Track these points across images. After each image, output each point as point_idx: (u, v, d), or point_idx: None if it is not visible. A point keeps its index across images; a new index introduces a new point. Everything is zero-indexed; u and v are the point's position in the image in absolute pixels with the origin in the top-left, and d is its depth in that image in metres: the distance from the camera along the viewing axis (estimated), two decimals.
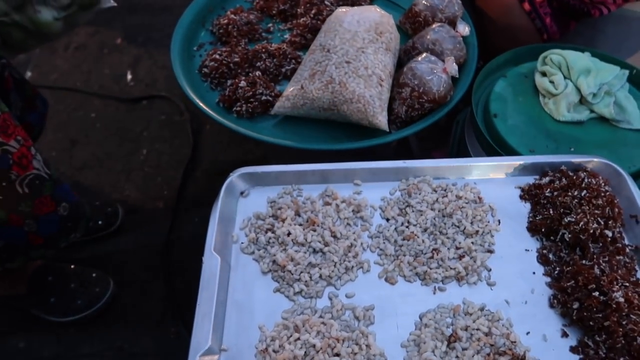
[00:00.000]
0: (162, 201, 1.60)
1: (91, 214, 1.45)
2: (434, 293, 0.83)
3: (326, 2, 1.27)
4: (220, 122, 1.06)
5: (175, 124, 1.81)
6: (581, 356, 0.75)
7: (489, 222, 0.90)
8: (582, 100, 1.11)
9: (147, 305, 1.38)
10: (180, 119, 1.82)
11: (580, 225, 0.82)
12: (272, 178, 0.97)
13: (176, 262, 1.45)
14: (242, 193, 0.96)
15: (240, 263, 0.87)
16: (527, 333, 0.77)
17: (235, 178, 0.96)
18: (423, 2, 1.22)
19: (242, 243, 0.89)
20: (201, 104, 1.08)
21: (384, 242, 0.88)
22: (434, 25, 1.16)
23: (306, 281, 0.83)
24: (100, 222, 1.47)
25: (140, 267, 1.46)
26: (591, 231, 0.82)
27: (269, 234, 0.88)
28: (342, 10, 1.15)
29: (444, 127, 1.55)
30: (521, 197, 0.93)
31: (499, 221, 0.90)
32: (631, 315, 0.73)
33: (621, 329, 0.72)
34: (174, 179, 1.65)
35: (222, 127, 1.78)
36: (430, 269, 0.84)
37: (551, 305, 0.80)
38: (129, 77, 1.96)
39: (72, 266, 1.36)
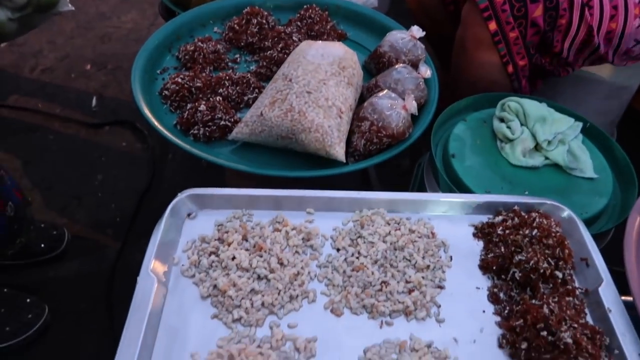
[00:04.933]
0: (113, 229, 1.53)
1: (35, 234, 1.37)
2: (381, 327, 0.79)
3: (294, 37, 1.29)
4: (174, 143, 1.03)
5: (137, 152, 1.77)
6: None
7: (440, 257, 0.88)
8: (537, 147, 1.13)
9: (83, 337, 1.28)
10: (142, 147, 1.78)
11: (530, 264, 0.81)
12: (222, 201, 0.93)
13: (119, 294, 1.37)
14: (189, 215, 0.92)
15: (178, 286, 0.82)
16: None
17: (183, 199, 0.92)
18: (388, 44, 1.25)
19: (182, 265, 0.84)
20: (156, 124, 1.05)
21: (332, 272, 0.84)
22: (397, 66, 1.18)
23: (247, 308, 0.78)
24: (42, 245, 1.39)
25: (80, 296, 1.37)
26: (541, 271, 0.80)
27: (212, 257, 0.84)
28: (307, 43, 1.16)
29: (406, 171, 1.56)
30: (474, 235, 0.92)
31: (451, 257, 0.88)
32: (579, 358, 0.70)
33: None
34: (128, 208, 1.59)
35: (184, 157, 1.74)
36: (378, 301, 0.80)
37: (500, 346, 0.77)
38: (94, 102, 1.93)
39: (5, 290, 1.27)
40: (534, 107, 1.16)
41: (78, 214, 1.55)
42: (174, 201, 0.91)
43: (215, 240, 0.87)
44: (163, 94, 1.16)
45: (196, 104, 1.11)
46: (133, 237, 1.51)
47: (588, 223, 1.01)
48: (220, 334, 0.76)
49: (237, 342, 0.75)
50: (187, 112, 1.11)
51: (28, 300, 1.27)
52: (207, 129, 1.07)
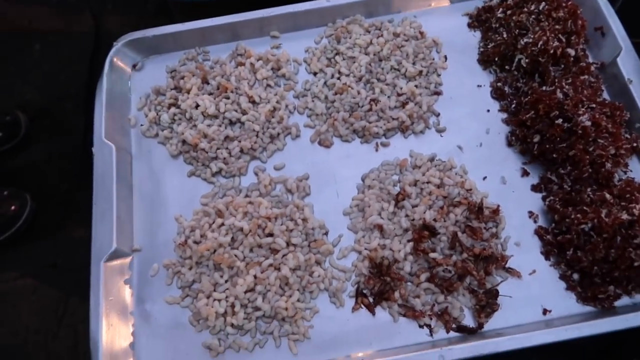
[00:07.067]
0: (71, 100, 1.39)
1: None
2: (377, 150, 0.71)
3: None
4: None
5: (71, 8, 1.52)
6: (544, 193, 0.66)
7: (433, 59, 0.76)
8: None
9: (75, 216, 1.24)
10: (75, 1, 1.53)
11: (538, 46, 0.69)
12: (169, 43, 0.78)
13: None
14: (134, 66, 0.78)
15: (143, 149, 0.72)
16: (484, 178, 0.68)
17: (121, 47, 0.77)
18: None
19: (141, 125, 0.73)
20: None
21: (312, 101, 0.74)
22: None
23: (225, 158, 0.69)
24: (0, 134, 1.27)
25: (59, 176, 1.29)
26: (551, 51, 0.69)
27: (173, 109, 0.72)
28: None
29: None
30: (469, 25, 0.79)
31: (446, 57, 0.76)
32: (599, 140, 0.63)
33: (588, 157, 0.62)
34: (79, 74, 1.41)
35: (125, 3, 1.50)
36: (370, 122, 0.71)
37: (509, 144, 0.70)
38: None
39: None
40: None
41: (27, 93, 1.39)
42: (110, 53, 0.76)
43: (171, 89, 0.74)
44: None
45: None
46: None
47: None
48: (202, 191, 0.68)
49: (223, 196, 0.68)
50: None
51: (6, 192, 1.19)
52: None
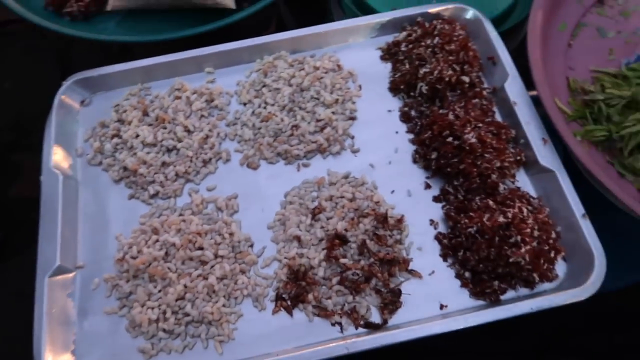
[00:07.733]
0: (39, 134, 1.46)
1: None
2: (299, 170, 0.79)
3: None
4: (45, 27, 0.93)
5: (40, 49, 1.61)
6: (443, 203, 0.75)
7: (349, 89, 0.85)
8: None
9: None
10: (42, 42, 1.62)
11: (435, 75, 0.79)
12: (114, 80, 0.87)
13: None
14: (82, 102, 0.87)
15: (88, 176, 0.80)
16: (392, 192, 0.77)
17: (70, 85, 0.86)
18: None
19: (87, 155, 0.81)
20: (19, 7, 0.93)
21: (241, 128, 0.82)
22: None
23: (161, 182, 0.77)
24: None
25: (26, 207, 1.35)
26: (447, 79, 0.79)
27: (115, 139, 0.81)
28: None
29: (324, 5, 1.45)
30: (382, 57, 0.89)
31: (360, 86, 0.86)
32: (485, 155, 0.72)
33: (476, 170, 0.72)
34: (47, 110, 1.49)
35: (91, 44, 1.60)
36: (292, 146, 0.80)
37: (414, 161, 0.79)
38: None
39: None
40: None
41: None
42: (59, 90, 0.85)
43: (114, 122, 0.83)
44: None
45: None
46: None
47: (499, 22, 0.97)
48: (141, 212, 0.76)
49: (159, 216, 0.76)
50: None
51: None
52: (80, 3, 0.96)
